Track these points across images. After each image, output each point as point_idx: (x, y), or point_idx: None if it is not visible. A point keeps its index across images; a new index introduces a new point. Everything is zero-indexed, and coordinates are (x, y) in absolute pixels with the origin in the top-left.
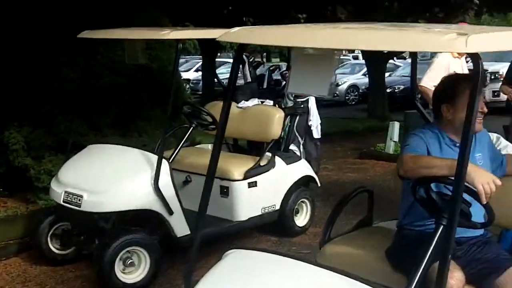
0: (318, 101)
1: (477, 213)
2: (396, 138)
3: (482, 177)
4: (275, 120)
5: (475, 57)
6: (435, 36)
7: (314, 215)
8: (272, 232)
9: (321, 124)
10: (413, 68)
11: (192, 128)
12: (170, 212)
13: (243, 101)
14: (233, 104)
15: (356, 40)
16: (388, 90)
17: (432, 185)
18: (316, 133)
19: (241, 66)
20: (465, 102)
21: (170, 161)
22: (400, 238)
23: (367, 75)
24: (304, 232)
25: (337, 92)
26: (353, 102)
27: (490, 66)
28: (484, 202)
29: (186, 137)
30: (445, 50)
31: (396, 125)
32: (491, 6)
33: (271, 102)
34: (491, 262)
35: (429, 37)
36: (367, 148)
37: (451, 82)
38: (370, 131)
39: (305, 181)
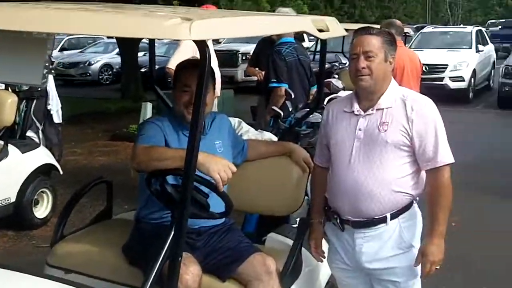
0: (68, 80)
1: (218, 203)
2: None
3: (216, 165)
4: (6, 105)
5: (201, 45)
6: (156, 21)
7: (56, 204)
8: (9, 226)
9: (62, 108)
10: (151, 51)
11: None
12: None
13: None
14: None
15: (64, 23)
16: (142, 70)
17: (169, 177)
18: (57, 118)
19: None
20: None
21: None
22: (137, 232)
23: None
24: (46, 224)
25: (89, 72)
26: (107, 82)
27: (241, 47)
28: (222, 190)
29: None
30: (167, 37)
31: (149, 106)
32: None
33: (2, 86)
34: (232, 250)
35: (149, 22)
36: (119, 130)
37: (183, 68)
38: (123, 112)
39: (46, 169)
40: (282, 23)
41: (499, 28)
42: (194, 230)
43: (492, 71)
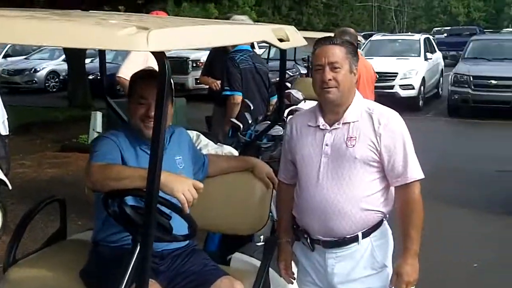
0: (14, 88)
1: (181, 224)
2: (99, 128)
3: (181, 185)
4: None
5: (160, 57)
6: (109, 31)
7: (7, 222)
8: None
9: (8, 119)
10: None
11: None
12: None
13: None
14: None
15: (8, 32)
16: (90, 77)
17: (128, 198)
18: (3, 129)
19: None
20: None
21: None
22: (95, 255)
23: None
24: None
25: (35, 79)
26: (54, 89)
27: (191, 54)
28: (188, 211)
29: None
30: (122, 48)
31: (99, 115)
32: None
33: None
34: (198, 274)
35: (102, 32)
36: (69, 140)
37: (138, 79)
38: (72, 121)
39: None
40: (243, 32)
41: (445, 36)
42: (157, 254)
43: (441, 79)
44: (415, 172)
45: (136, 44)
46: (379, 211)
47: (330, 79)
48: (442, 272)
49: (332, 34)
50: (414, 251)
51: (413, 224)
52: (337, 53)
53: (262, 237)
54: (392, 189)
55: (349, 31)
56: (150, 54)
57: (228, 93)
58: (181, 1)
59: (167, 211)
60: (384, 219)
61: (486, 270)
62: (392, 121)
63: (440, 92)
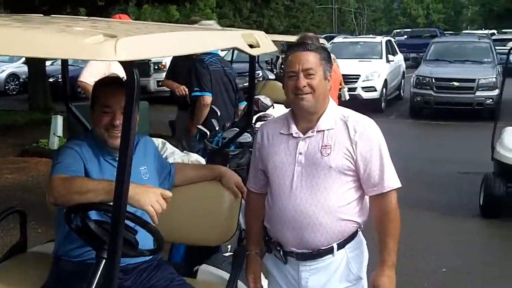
0: None
1: (146, 237)
2: (59, 132)
3: (148, 197)
4: None
5: (128, 67)
6: (75, 39)
7: None
8: None
9: None
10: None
11: None
12: None
13: None
14: None
15: None
16: (51, 80)
17: (92, 212)
18: None
19: None
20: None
21: None
22: (57, 270)
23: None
24: None
25: None
26: (14, 92)
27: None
28: (157, 222)
29: None
30: (89, 57)
31: (59, 119)
32: None
33: None
34: None
35: (67, 40)
36: (29, 145)
37: (102, 86)
38: (32, 124)
39: None
40: (212, 39)
41: (405, 38)
42: (121, 268)
43: (402, 80)
44: (392, 181)
45: (103, 54)
46: (354, 221)
47: (304, 86)
48: (411, 278)
49: (294, 37)
50: (391, 262)
51: (391, 235)
52: (311, 59)
53: (229, 247)
54: (367, 198)
55: (309, 36)
56: None
57: (198, 93)
58: (142, 3)
59: (132, 224)
60: (358, 229)
61: (455, 275)
62: (368, 129)
63: (402, 94)
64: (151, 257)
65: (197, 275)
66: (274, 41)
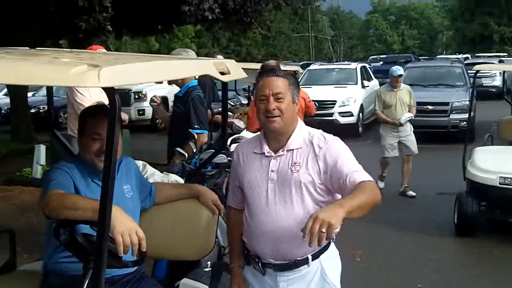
0: None
1: (129, 250)
2: (42, 161)
3: (123, 227)
4: None
5: (110, 92)
6: (62, 69)
7: None
8: None
9: None
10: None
11: None
12: None
13: None
14: None
15: None
16: (33, 110)
17: (80, 226)
18: None
19: None
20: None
21: None
22: (46, 286)
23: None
24: None
25: None
26: None
27: (133, 86)
28: (121, 255)
29: None
30: (76, 85)
31: (42, 148)
32: (130, 29)
33: None
34: None
35: (55, 70)
36: (12, 174)
37: (90, 115)
38: (15, 154)
39: None
40: (187, 67)
41: (381, 64)
42: (107, 280)
43: None
44: (366, 176)
45: (88, 81)
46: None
47: (274, 109)
48: None
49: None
50: (342, 204)
51: (364, 193)
52: (280, 84)
53: (209, 263)
54: None
55: (273, 64)
56: None
57: (198, 131)
58: (122, 34)
59: None
60: (331, 240)
61: None
62: (331, 143)
63: None
64: (134, 269)
65: None
66: (246, 69)
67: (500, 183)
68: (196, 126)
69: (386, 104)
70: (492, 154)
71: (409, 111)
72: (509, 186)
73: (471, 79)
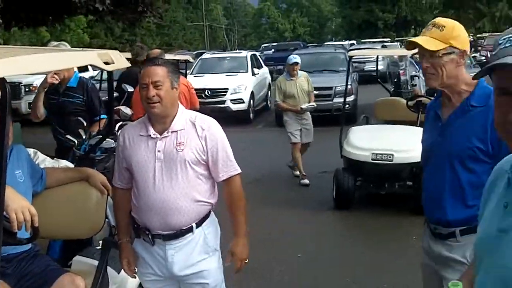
0: None
1: (23, 230)
2: None
3: (16, 205)
4: None
5: (1, 82)
6: None
7: None
8: None
9: None
10: None
11: None
12: None
13: None
14: None
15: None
16: None
17: None
18: None
19: None
20: None
21: None
22: None
23: None
24: None
25: None
26: None
27: (24, 79)
28: (16, 230)
29: None
30: None
31: None
32: (19, 20)
33: None
34: (41, 274)
35: None
36: None
37: None
38: None
39: None
40: (70, 58)
41: (272, 52)
42: (3, 258)
43: (269, 92)
44: (234, 167)
45: None
46: (208, 202)
47: (153, 95)
48: (269, 263)
49: None
50: (244, 233)
51: (240, 210)
52: (160, 72)
53: (101, 242)
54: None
55: (156, 52)
56: None
57: (103, 116)
58: (11, 26)
59: None
60: (211, 209)
61: (309, 259)
62: (212, 127)
63: (270, 104)
64: (29, 247)
65: (72, 265)
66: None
67: (372, 159)
68: (102, 113)
69: (287, 94)
70: (366, 133)
71: (308, 97)
72: (381, 162)
73: (354, 64)
